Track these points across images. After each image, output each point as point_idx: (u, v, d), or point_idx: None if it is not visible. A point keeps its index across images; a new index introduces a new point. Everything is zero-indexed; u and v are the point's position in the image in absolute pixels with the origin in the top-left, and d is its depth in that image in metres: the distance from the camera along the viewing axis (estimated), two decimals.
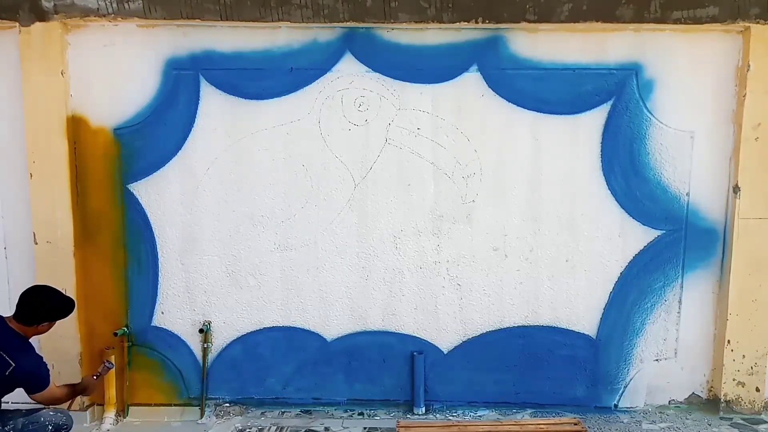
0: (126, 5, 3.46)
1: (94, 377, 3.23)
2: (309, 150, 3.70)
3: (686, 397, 3.89)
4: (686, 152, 3.66)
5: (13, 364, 2.81)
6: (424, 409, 3.83)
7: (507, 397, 3.87)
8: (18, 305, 2.91)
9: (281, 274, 3.80)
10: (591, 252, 3.75)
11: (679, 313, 3.79)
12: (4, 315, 2.96)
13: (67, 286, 3.51)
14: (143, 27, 3.59)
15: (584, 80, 3.61)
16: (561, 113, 3.65)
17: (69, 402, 3.22)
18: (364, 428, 3.65)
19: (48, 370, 2.96)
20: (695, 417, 3.77)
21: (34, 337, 2.97)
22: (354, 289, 3.82)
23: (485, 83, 3.63)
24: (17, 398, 2.97)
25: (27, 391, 2.92)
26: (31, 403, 3.01)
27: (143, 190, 3.72)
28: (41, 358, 2.97)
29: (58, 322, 3.02)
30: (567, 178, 3.70)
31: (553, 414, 3.75)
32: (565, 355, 3.82)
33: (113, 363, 3.42)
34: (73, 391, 3.14)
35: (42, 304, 2.92)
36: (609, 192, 3.70)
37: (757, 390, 3.75)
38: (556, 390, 3.85)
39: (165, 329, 3.83)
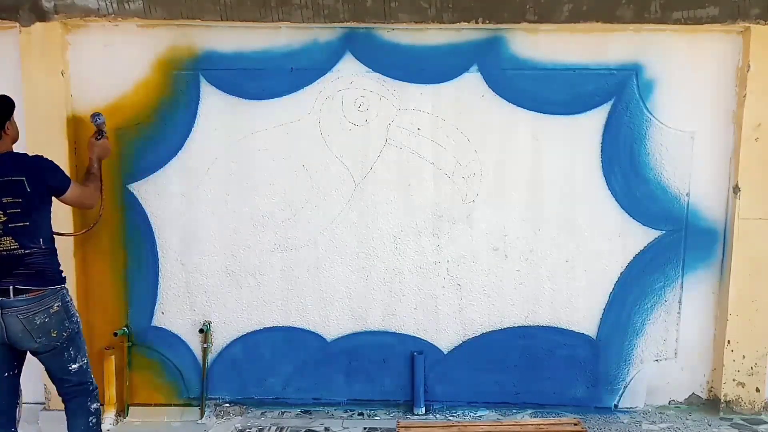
0: (126, 5, 3.46)
1: (96, 139, 3.21)
2: (309, 150, 3.70)
3: (686, 397, 3.89)
4: (686, 152, 3.66)
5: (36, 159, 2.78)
6: (424, 409, 3.83)
7: (507, 398, 3.87)
8: None
9: (281, 274, 3.80)
10: (591, 252, 3.75)
11: (679, 313, 3.79)
12: None
13: (68, 286, 3.49)
14: (143, 27, 3.59)
15: (584, 80, 3.61)
16: (561, 113, 3.64)
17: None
18: (364, 428, 3.65)
19: None
20: (695, 417, 3.76)
21: None
22: (354, 289, 3.82)
23: (485, 83, 3.63)
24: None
25: (59, 188, 2.85)
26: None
27: (143, 190, 3.72)
28: None
29: None
30: (567, 178, 3.70)
31: (553, 414, 3.75)
32: (565, 355, 3.82)
33: (99, 114, 3.31)
34: (93, 175, 3.14)
35: None
36: (609, 192, 3.70)
37: (757, 390, 3.75)
38: (556, 390, 3.85)
39: (165, 329, 3.83)
